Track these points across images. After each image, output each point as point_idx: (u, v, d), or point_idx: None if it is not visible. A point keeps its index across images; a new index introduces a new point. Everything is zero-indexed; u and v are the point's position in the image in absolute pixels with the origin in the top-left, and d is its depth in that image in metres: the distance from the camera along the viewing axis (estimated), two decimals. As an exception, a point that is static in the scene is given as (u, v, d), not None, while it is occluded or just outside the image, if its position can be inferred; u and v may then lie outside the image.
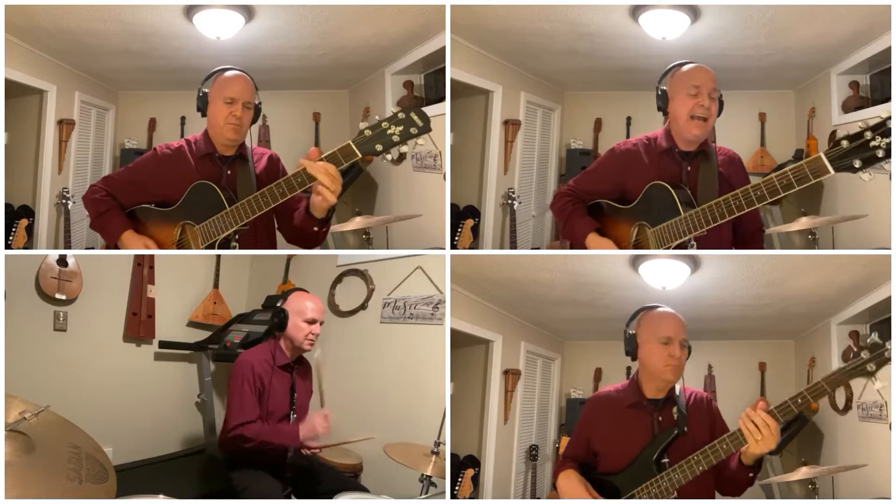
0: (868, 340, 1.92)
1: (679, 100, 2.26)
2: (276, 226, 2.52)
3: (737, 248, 2.35)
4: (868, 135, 1.72)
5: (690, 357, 2.32)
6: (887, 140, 1.69)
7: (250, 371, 2.76)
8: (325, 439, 2.86)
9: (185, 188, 2.35)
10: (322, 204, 2.16)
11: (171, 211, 2.38)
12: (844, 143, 1.75)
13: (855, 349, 3.59)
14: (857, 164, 1.73)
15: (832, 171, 1.79)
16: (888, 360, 1.88)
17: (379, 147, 2.06)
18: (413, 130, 2.05)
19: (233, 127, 2.34)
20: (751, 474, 2.12)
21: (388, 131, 2.05)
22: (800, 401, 1.96)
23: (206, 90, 2.39)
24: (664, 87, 2.32)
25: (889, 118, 1.71)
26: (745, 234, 2.37)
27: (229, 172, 2.40)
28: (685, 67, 2.31)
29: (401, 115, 2.06)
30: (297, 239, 2.46)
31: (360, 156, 2.08)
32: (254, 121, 2.42)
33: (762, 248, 2.48)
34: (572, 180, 2.56)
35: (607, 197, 2.44)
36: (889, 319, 3.27)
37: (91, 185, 2.51)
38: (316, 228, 2.28)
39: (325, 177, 2.08)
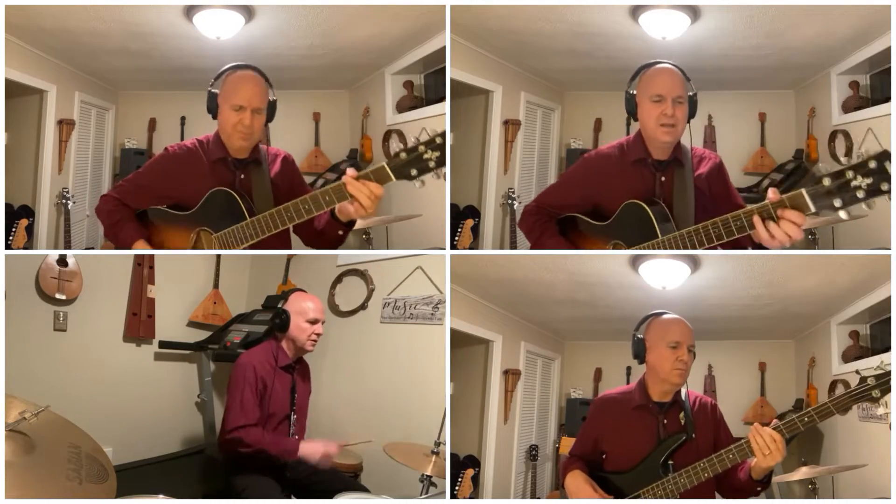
0: (875, 368, 1.99)
1: (644, 107, 2.20)
2: (293, 229, 2.38)
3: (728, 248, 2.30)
4: (850, 174, 1.67)
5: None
6: (868, 181, 1.65)
7: (252, 373, 2.75)
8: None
9: (198, 190, 2.27)
10: (354, 215, 2.13)
11: (187, 216, 2.31)
12: (826, 181, 1.70)
13: (856, 350, 3.59)
14: (838, 203, 1.68)
15: (813, 209, 1.75)
16: (891, 388, 1.96)
17: (414, 172, 1.94)
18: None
19: (242, 135, 2.26)
20: (759, 488, 2.17)
21: (426, 156, 1.92)
22: (806, 419, 2.03)
23: (216, 91, 2.29)
24: (633, 92, 2.24)
25: (872, 159, 1.65)
26: None
27: (242, 177, 2.31)
28: (651, 70, 2.23)
29: (438, 140, 1.92)
30: (319, 242, 2.39)
31: (394, 180, 1.97)
32: (269, 119, 2.32)
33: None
34: (539, 195, 2.48)
35: (579, 210, 2.35)
36: (889, 319, 3.27)
37: (102, 195, 2.46)
38: (341, 232, 2.24)
39: (367, 199, 2.00)
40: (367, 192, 1.98)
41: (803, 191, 1.73)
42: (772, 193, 1.82)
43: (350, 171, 2.01)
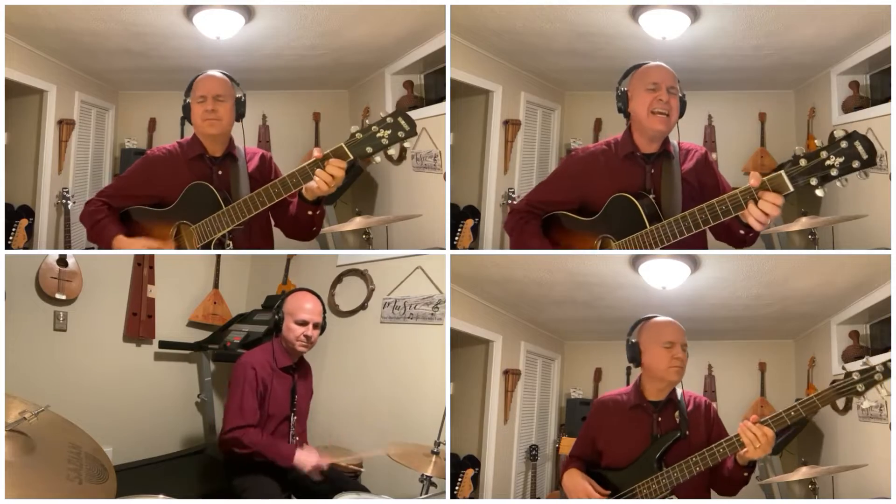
0: (862, 364, 2.07)
1: (638, 97, 2.23)
2: (273, 223, 2.53)
3: (722, 235, 2.28)
4: (824, 154, 1.83)
5: (690, 357, 2.37)
6: (841, 159, 1.80)
7: (252, 373, 2.75)
8: (313, 441, 2.86)
9: (177, 189, 2.38)
10: (315, 191, 2.20)
11: (167, 211, 2.41)
12: (803, 162, 1.86)
13: (856, 350, 3.59)
14: (814, 181, 1.85)
15: (791, 188, 1.89)
16: (877, 382, 2.04)
17: (369, 149, 2.13)
18: (400, 134, 2.12)
19: (209, 122, 2.38)
20: (745, 473, 2.22)
21: (378, 134, 2.11)
22: (793, 413, 2.10)
23: (189, 99, 2.43)
24: (624, 89, 2.28)
25: (843, 139, 1.80)
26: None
27: (220, 172, 2.43)
28: (643, 66, 2.28)
29: (389, 120, 2.12)
30: (295, 228, 2.47)
31: (351, 157, 2.14)
32: (240, 116, 2.44)
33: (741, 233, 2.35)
34: (527, 195, 2.48)
35: (567, 207, 2.36)
36: (889, 319, 3.27)
37: (86, 201, 2.54)
38: (310, 212, 2.31)
39: (328, 175, 2.14)
40: (336, 165, 2.14)
41: (782, 172, 1.90)
42: (753, 179, 1.97)
43: (316, 151, 2.17)
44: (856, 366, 2.08)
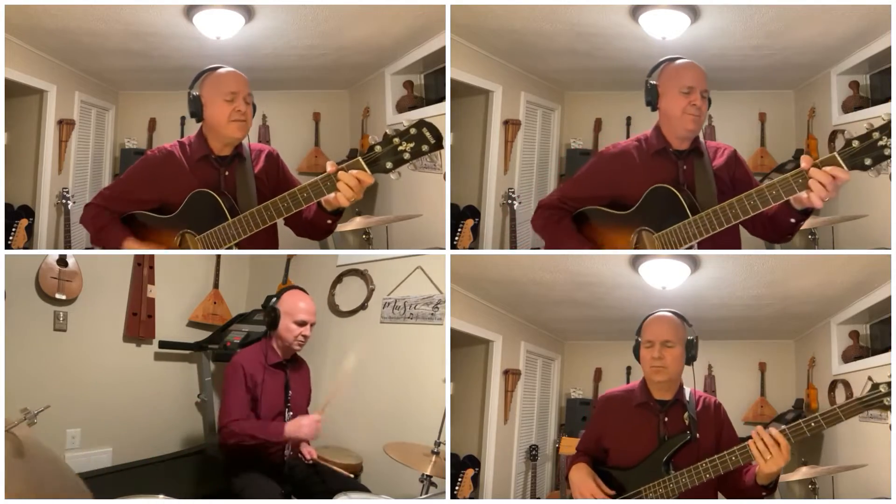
0: (889, 376, 1.98)
1: (671, 97, 2.23)
2: (284, 222, 2.41)
3: (760, 228, 2.26)
4: (876, 135, 1.87)
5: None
6: (893, 139, 1.84)
7: (241, 371, 2.76)
8: (314, 442, 2.86)
9: (180, 192, 2.28)
10: (333, 203, 2.09)
11: (171, 219, 2.32)
12: (855, 143, 1.89)
13: (856, 350, 3.60)
14: (868, 161, 1.88)
15: (845, 168, 1.89)
16: None
17: (389, 164, 1.96)
18: (425, 148, 1.94)
19: (238, 125, 2.26)
20: (764, 493, 2.15)
21: (400, 147, 1.94)
22: (813, 424, 2.01)
23: (198, 93, 2.30)
24: (654, 82, 2.28)
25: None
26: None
27: (227, 174, 2.32)
28: (677, 63, 2.27)
29: (413, 131, 1.94)
30: (309, 232, 2.43)
31: (368, 173, 2.00)
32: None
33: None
34: (557, 190, 2.44)
35: (599, 203, 2.34)
36: (889, 319, 3.27)
37: (86, 204, 2.44)
38: (329, 221, 2.25)
39: (349, 189, 2.02)
40: (354, 179, 2.00)
41: (836, 154, 1.91)
42: (804, 162, 1.94)
43: (329, 165, 2.05)
44: (882, 382, 1.98)
